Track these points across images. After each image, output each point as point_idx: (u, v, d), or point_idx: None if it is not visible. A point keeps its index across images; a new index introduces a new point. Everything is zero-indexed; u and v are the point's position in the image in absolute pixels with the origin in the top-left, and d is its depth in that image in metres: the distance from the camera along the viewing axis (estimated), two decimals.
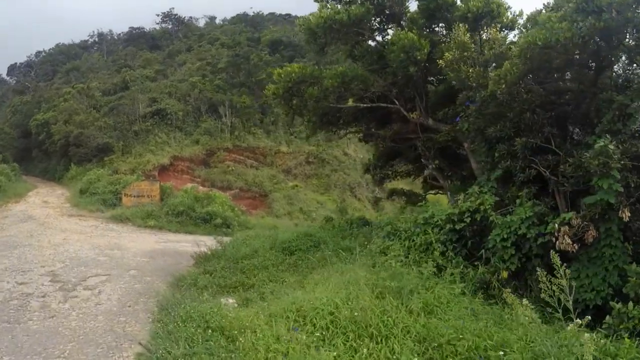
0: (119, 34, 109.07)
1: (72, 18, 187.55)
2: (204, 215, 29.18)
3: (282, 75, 15.93)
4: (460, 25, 13.60)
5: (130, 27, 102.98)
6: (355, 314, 7.85)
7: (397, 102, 16.59)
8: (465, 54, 13.28)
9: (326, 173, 57.85)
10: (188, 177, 49.14)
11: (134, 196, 31.91)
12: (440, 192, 23.25)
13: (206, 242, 21.90)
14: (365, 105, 16.40)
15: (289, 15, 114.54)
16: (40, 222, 23.41)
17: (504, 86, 11.58)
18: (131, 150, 46.39)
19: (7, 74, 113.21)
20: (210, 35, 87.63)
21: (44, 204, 31.82)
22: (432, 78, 17.88)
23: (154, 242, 21.00)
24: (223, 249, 15.89)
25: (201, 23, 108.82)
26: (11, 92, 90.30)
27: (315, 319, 7.92)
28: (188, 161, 50.13)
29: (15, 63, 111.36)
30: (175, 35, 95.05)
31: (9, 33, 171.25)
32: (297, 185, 51.27)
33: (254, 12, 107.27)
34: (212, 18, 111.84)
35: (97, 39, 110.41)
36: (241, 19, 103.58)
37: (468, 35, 13.60)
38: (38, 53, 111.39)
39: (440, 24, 16.84)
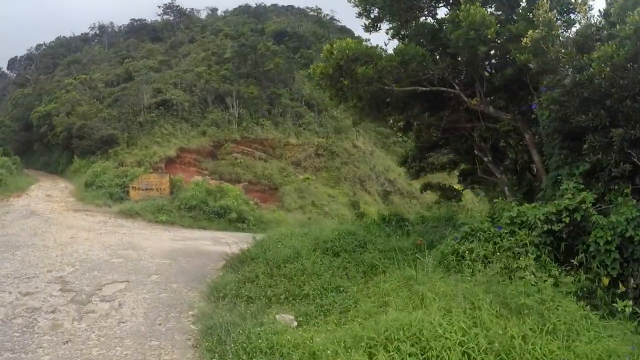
0: (120, 27, 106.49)
1: (73, 17, 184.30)
2: (218, 210, 27.06)
3: (335, 52, 13.48)
4: (544, 1, 11.41)
5: (131, 19, 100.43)
6: (493, 343, 5.67)
7: (456, 87, 14.28)
8: (553, 32, 11.15)
9: (336, 166, 55.61)
10: (195, 169, 46.93)
11: (143, 189, 29.64)
12: (475, 186, 21.22)
13: (227, 240, 19.86)
14: (424, 88, 14.02)
15: (291, 6, 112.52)
16: (45, 218, 21.06)
17: (608, 69, 9.47)
18: (136, 142, 44.05)
19: (8, 68, 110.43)
20: (213, 27, 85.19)
21: (47, 198, 29.45)
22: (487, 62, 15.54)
23: (170, 240, 18.73)
24: (263, 250, 13.46)
25: (203, 15, 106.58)
26: (12, 85, 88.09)
27: (443, 352, 5.71)
28: (195, 153, 47.91)
29: (16, 56, 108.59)
30: (177, 27, 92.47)
31: (10, 27, 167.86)
32: (308, 178, 48.98)
33: (256, 4, 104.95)
34: (214, 10, 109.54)
35: (97, 32, 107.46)
36: (243, 11, 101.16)
37: (553, 12, 11.49)
38: (38, 46, 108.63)
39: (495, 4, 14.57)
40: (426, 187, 22.52)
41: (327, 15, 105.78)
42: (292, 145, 54.01)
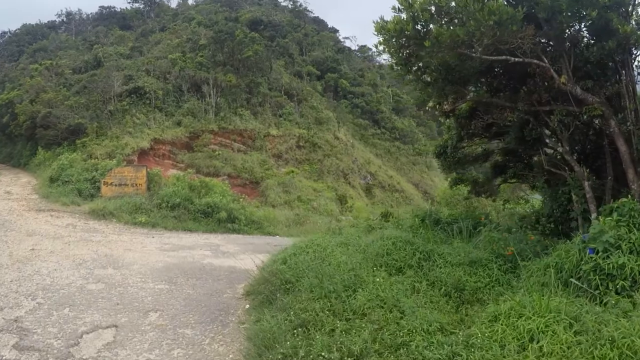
0: (88, 14, 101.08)
1: (38, 2, 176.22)
2: (205, 208, 23.06)
3: (418, 1, 9.53)
4: None
5: (100, 6, 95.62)
6: None
7: (545, 60, 10.71)
8: None
9: (318, 158, 51.87)
10: (170, 162, 42.77)
11: (116, 185, 25.47)
12: (515, 181, 17.93)
13: (227, 247, 16.12)
14: (517, 59, 10.31)
15: None
16: (0, 222, 16.87)
17: None
18: (106, 132, 39.37)
19: None
20: (185, 15, 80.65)
21: (6, 195, 24.96)
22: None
23: (158, 251, 14.68)
24: (305, 269, 9.32)
25: (173, 4, 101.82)
26: None
27: None
28: (170, 144, 43.56)
29: None
30: (147, 15, 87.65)
31: None
32: (292, 171, 45.03)
33: None
34: None
35: (65, 19, 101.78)
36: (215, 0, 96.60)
37: None
38: (3, 34, 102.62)
39: None
40: (457, 180, 19.15)
41: (301, 5, 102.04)
42: (272, 137, 49.97)
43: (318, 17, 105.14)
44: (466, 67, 10.81)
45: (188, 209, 22.83)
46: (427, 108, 14.91)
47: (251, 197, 39.90)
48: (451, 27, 9.26)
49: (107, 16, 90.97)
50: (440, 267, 9.36)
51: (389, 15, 10.47)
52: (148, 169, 27.42)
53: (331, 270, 8.85)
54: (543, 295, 6.60)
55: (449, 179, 20.47)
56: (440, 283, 8.71)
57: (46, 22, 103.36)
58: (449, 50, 9.65)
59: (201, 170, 41.17)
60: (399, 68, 11.25)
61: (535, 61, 10.49)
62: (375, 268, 9.30)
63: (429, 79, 11.54)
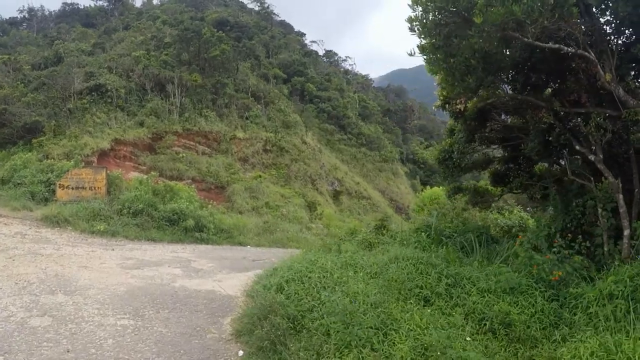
0: (51, 11, 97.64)
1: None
2: (170, 215, 20.73)
3: None
4: None
5: (63, 3, 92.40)
6: None
7: (592, 54, 8.97)
8: None
9: (285, 163, 49.79)
10: (131, 164, 40.12)
11: (73, 188, 22.87)
12: (518, 192, 16.15)
13: (200, 264, 13.98)
14: (570, 49, 8.53)
15: None
16: None
17: None
18: (65, 131, 36.50)
19: None
20: (150, 14, 77.82)
21: None
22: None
23: (120, 269, 12.30)
24: (312, 301, 7.15)
25: (138, 3, 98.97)
26: None
27: None
28: (131, 146, 40.81)
29: None
30: (111, 14, 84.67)
31: None
32: (260, 176, 42.85)
33: None
34: None
35: (27, 15, 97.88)
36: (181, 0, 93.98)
37: None
38: None
39: None
40: (457, 190, 17.37)
41: (268, 7, 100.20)
42: (238, 140, 47.60)
43: (285, 20, 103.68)
44: (505, 56, 8.96)
45: (152, 216, 20.51)
46: (433, 107, 13.08)
47: (217, 203, 37.60)
48: (504, 4, 7.38)
49: (70, 13, 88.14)
50: (473, 295, 7.67)
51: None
52: (108, 171, 24.90)
53: (352, 306, 6.80)
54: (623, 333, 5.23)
55: (447, 188, 18.68)
56: (477, 315, 7.06)
57: (7, 18, 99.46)
58: (498, 31, 7.74)
59: (164, 174, 38.80)
60: (430, 52, 9.17)
61: (587, 54, 8.71)
62: (403, 300, 7.39)
63: (463, 67, 9.45)
